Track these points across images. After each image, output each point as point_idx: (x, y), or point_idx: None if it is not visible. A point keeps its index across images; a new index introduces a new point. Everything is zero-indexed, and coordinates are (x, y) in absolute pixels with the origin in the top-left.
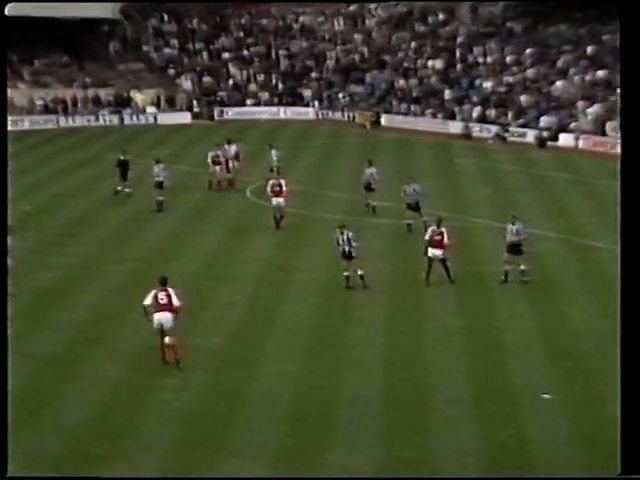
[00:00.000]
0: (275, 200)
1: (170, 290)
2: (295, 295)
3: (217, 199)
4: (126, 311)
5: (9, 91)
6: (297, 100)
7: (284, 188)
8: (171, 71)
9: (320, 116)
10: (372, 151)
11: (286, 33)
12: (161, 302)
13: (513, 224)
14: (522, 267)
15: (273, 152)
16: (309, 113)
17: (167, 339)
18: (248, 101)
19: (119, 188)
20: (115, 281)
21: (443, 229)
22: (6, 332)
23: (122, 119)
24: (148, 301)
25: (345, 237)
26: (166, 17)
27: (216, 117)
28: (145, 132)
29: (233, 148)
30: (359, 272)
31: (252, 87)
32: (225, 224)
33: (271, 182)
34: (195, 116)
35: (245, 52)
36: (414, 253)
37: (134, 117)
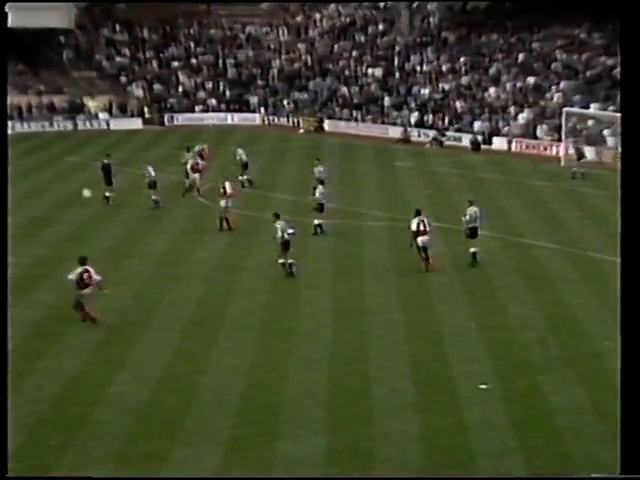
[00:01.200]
0: (222, 201)
1: (90, 269)
2: (244, 292)
3: (168, 201)
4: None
5: None
6: (244, 106)
7: (228, 190)
8: (123, 79)
9: (266, 122)
10: (317, 155)
11: (233, 43)
12: (86, 281)
13: (472, 208)
14: (474, 249)
15: (239, 150)
16: (255, 119)
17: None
18: (197, 107)
19: (107, 194)
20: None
21: (424, 218)
22: (6, 332)
23: (76, 125)
24: (73, 276)
25: (282, 226)
26: (118, 27)
27: (166, 123)
28: (98, 137)
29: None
30: (289, 260)
31: (201, 94)
32: (177, 225)
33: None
34: (146, 122)
35: (194, 61)
36: (356, 253)
37: (87, 123)
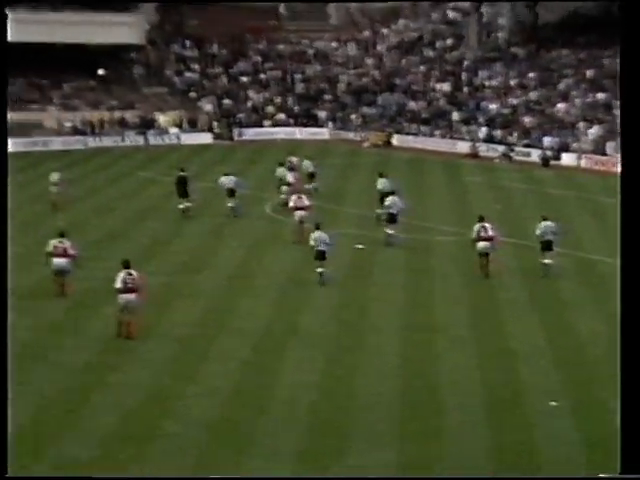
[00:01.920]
0: (297, 214)
1: (134, 273)
2: (315, 305)
3: (239, 216)
4: (154, 321)
5: (39, 114)
6: (312, 121)
7: (306, 202)
8: (193, 94)
9: (334, 136)
10: (385, 169)
11: (301, 58)
12: (128, 285)
13: (546, 222)
14: (548, 261)
15: (306, 162)
16: (324, 133)
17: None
18: (265, 122)
19: (181, 206)
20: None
21: (487, 224)
22: (6, 331)
23: (147, 140)
24: (118, 284)
25: (318, 236)
26: (188, 43)
27: (235, 137)
28: (169, 152)
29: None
30: (319, 269)
31: (269, 109)
32: (249, 238)
33: (294, 197)
34: (216, 137)
35: (262, 76)
36: (424, 267)
37: (158, 138)
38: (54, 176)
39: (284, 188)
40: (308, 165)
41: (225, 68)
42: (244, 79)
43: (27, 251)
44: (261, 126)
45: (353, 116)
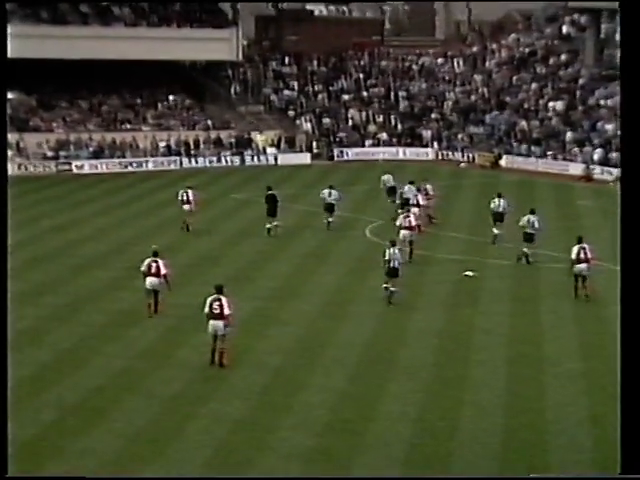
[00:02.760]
0: (402, 233)
1: (223, 299)
2: (415, 334)
3: (336, 238)
4: (247, 349)
5: (133, 134)
6: (416, 141)
7: (413, 222)
8: (291, 112)
9: (439, 156)
10: (493, 192)
11: (405, 74)
12: (215, 311)
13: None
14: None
15: (407, 187)
16: (428, 153)
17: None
18: (367, 142)
19: (268, 225)
20: (238, 318)
21: (585, 245)
22: (6, 332)
23: (243, 160)
24: (206, 309)
25: (393, 252)
26: (286, 59)
27: (336, 157)
28: (266, 172)
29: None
30: (392, 287)
31: (371, 128)
32: (344, 263)
33: (401, 217)
34: (315, 156)
35: (364, 93)
36: (532, 296)
37: (255, 158)
38: (183, 193)
39: (414, 210)
40: (387, 179)
41: (325, 85)
42: (345, 97)
43: (118, 275)
44: (362, 146)
45: (460, 135)
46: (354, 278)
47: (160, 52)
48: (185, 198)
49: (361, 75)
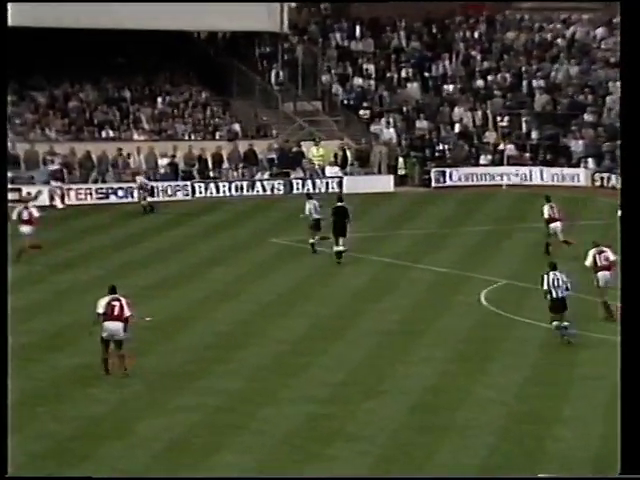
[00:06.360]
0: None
1: (122, 299)
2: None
3: (436, 306)
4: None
5: (120, 145)
6: (560, 156)
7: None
8: (364, 112)
9: (596, 182)
10: None
11: (544, 53)
12: (113, 312)
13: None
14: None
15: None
16: (579, 177)
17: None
18: (483, 158)
19: (336, 249)
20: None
21: (605, 249)
22: (6, 332)
23: (290, 185)
24: (100, 309)
25: (554, 279)
26: (357, 30)
27: (433, 183)
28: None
29: None
30: (564, 323)
31: (490, 136)
32: (447, 346)
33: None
34: (400, 181)
35: (479, 82)
36: None
37: (307, 182)
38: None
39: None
40: (546, 209)
41: (418, 70)
42: (448, 88)
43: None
44: (476, 164)
45: None
46: (464, 368)
47: (162, 19)
48: (26, 217)
49: (474, 54)
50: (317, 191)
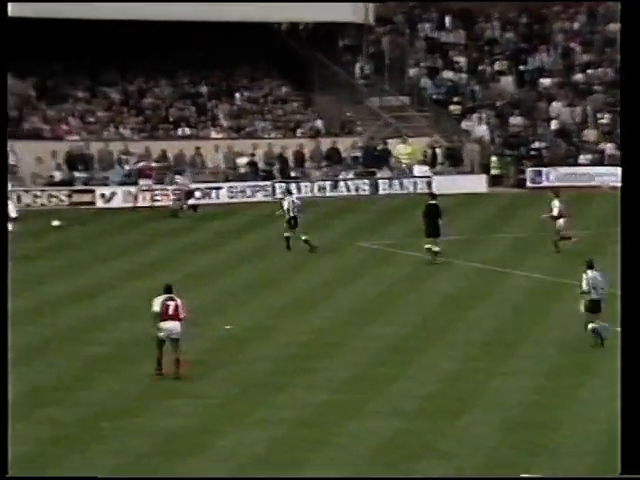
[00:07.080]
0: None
1: (177, 299)
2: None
3: (535, 317)
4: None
5: (197, 144)
6: None
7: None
8: (455, 108)
9: None
10: None
11: None
12: (168, 311)
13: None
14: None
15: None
16: None
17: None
18: (583, 157)
19: (427, 246)
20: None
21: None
22: (6, 332)
23: (376, 185)
24: (156, 308)
25: (592, 278)
26: (447, 21)
27: (528, 182)
28: (412, 205)
29: None
30: (599, 324)
31: (590, 134)
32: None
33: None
34: (494, 181)
35: (578, 76)
36: None
37: (395, 182)
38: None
39: None
40: (556, 205)
41: (513, 63)
42: (545, 82)
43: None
44: (574, 164)
45: None
46: (562, 382)
47: (240, 10)
48: None
49: (573, 46)
50: (405, 192)
